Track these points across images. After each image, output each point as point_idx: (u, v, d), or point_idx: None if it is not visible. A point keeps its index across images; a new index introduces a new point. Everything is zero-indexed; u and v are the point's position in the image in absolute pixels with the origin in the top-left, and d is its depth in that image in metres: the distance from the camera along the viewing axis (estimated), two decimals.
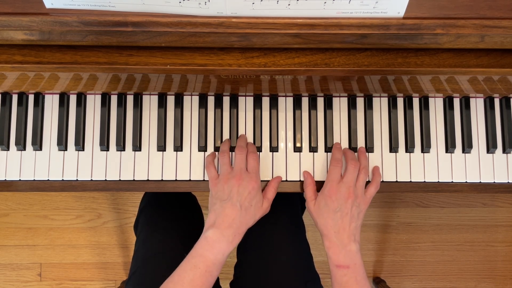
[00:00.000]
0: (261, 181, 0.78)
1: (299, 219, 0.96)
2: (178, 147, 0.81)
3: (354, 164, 0.75)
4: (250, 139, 0.82)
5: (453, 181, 0.82)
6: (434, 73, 0.68)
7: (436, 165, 0.82)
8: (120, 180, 0.81)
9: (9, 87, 0.78)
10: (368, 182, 0.79)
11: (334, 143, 0.81)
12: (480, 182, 0.82)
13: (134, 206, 1.55)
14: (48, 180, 0.81)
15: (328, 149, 0.82)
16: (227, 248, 0.70)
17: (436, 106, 0.83)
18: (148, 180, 0.81)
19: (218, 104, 0.83)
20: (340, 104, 0.83)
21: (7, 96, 0.81)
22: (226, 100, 0.83)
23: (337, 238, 0.72)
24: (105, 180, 0.81)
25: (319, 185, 0.79)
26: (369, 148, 0.82)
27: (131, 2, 0.58)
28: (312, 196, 0.77)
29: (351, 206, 0.73)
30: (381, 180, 0.81)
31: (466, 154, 0.83)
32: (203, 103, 0.83)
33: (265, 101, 0.83)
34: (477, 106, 0.84)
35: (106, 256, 1.54)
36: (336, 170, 0.76)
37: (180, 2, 0.58)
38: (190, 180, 0.81)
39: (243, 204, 0.72)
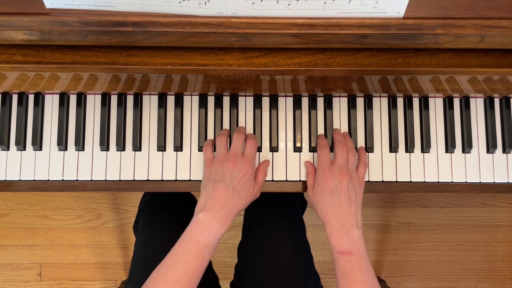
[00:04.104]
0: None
1: (299, 219, 0.96)
2: (178, 147, 0.81)
3: (342, 146, 0.76)
4: None
5: (453, 181, 0.82)
6: (434, 73, 0.68)
7: (436, 165, 0.82)
8: (120, 180, 0.81)
9: (9, 87, 0.78)
10: None
11: (318, 134, 0.81)
12: (480, 182, 0.82)
13: (134, 206, 1.55)
14: (48, 180, 0.81)
15: None
16: (218, 231, 0.69)
17: (436, 106, 0.83)
18: (148, 180, 0.81)
19: (218, 104, 0.83)
20: (340, 104, 0.83)
21: (7, 96, 0.81)
22: (226, 100, 0.83)
23: (339, 222, 0.71)
24: (105, 180, 0.81)
25: None
26: (369, 148, 0.82)
27: (131, 2, 0.58)
28: (312, 185, 0.77)
29: (347, 186, 0.72)
30: (381, 180, 0.82)
31: (466, 154, 0.83)
32: (203, 103, 0.83)
33: (265, 101, 0.83)
34: (477, 106, 0.84)
35: (106, 256, 1.54)
36: (324, 154, 0.76)
37: (180, 2, 0.58)
38: (190, 180, 0.81)
39: (236, 187, 0.71)
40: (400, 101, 0.83)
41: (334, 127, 0.82)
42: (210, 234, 0.69)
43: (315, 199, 0.75)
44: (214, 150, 0.79)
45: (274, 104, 0.83)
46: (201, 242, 0.68)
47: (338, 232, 0.70)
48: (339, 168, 0.73)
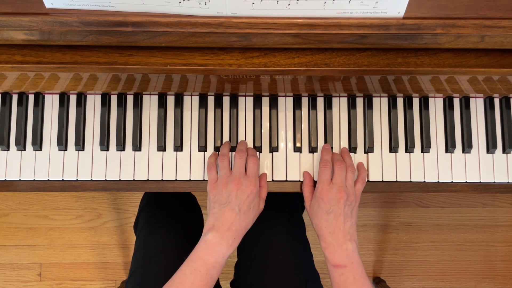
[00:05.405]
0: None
1: (298, 218, 0.96)
2: (178, 147, 0.81)
3: (340, 165, 0.76)
4: (250, 139, 0.83)
5: (453, 181, 0.82)
6: (434, 73, 0.68)
7: (436, 165, 0.82)
8: (120, 180, 0.81)
9: (9, 87, 0.78)
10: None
11: (323, 145, 0.81)
12: (480, 182, 0.82)
13: (134, 206, 1.55)
14: (48, 180, 0.81)
15: None
16: (227, 251, 0.70)
17: (436, 106, 0.83)
18: (148, 180, 0.81)
19: (218, 104, 0.83)
20: (340, 104, 0.83)
21: (7, 96, 0.81)
22: (226, 100, 0.83)
23: (332, 238, 0.72)
24: (105, 180, 0.81)
25: None
26: (369, 148, 0.82)
27: (131, 2, 0.58)
28: (309, 197, 0.78)
29: (344, 206, 0.73)
30: (381, 180, 0.82)
31: (466, 154, 0.83)
32: (203, 103, 0.83)
33: (265, 101, 0.83)
34: (477, 106, 0.84)
35: (106, 256, 1.54)
36: (326, 171, 0.76)
37: (180, 2, 0.58)
38: (190, 180, 0.81)
39: (242, 208, 0.72)
40: (400, 101, 0.83)
41: (334, 128, 0.82)
42: (219, 254, 0.70)
43: (311, 212, 0.76)
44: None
45: (274, 104, 0.83)
46: (210, 262, 0.69)
47: (332, 246, 0.72)
48: (337, 187, 0.74)
